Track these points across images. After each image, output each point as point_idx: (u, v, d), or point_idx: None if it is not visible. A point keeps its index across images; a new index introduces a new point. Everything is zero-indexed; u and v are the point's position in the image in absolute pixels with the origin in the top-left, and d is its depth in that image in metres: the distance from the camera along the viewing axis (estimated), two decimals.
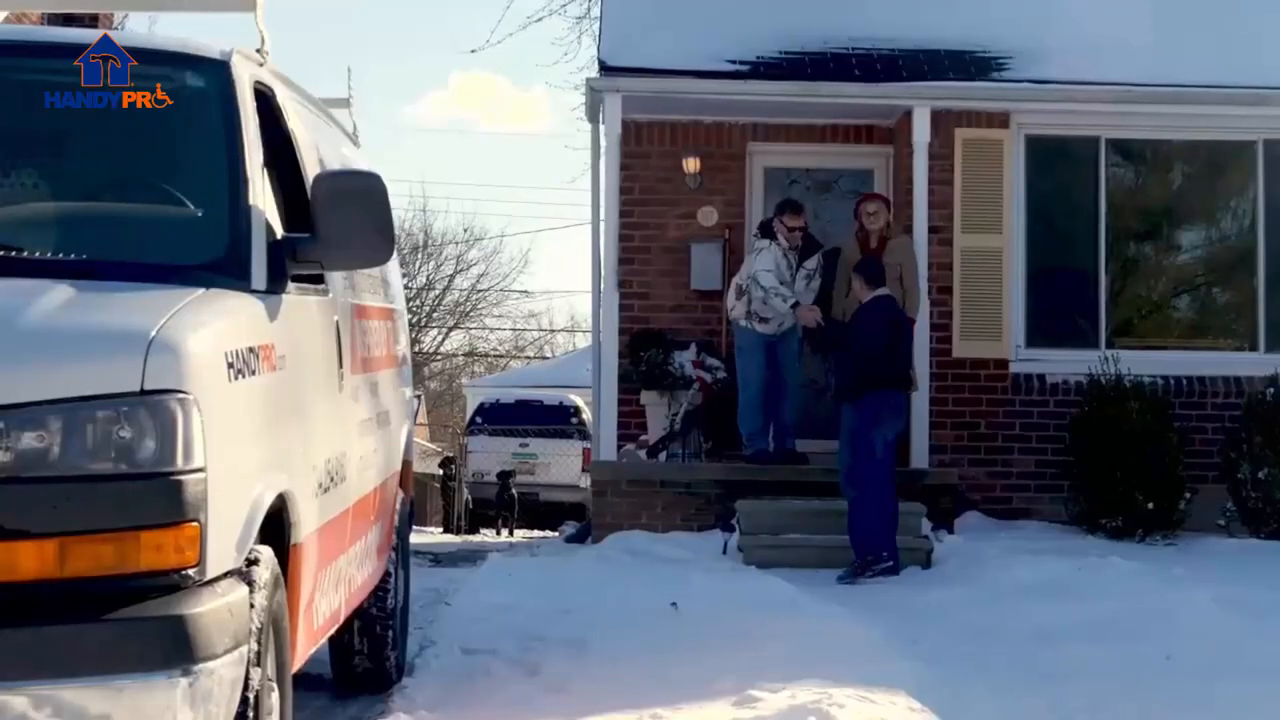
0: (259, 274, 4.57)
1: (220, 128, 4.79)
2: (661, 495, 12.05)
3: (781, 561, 10.73)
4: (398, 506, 7.11)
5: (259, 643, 4.06)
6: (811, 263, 12.12)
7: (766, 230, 12.22)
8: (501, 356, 52.32)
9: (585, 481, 20.47)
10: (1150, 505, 11.57)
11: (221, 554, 3.90)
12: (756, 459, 12.07)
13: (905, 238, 12.21)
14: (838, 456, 10.89)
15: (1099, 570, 9.91)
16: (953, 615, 8.95)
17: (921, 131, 12.41)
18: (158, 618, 3.67)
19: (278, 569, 4.32)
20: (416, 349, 43.21)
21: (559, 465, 25.98)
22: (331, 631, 5.76)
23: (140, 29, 19.92)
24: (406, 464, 7.34)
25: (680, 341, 12.87)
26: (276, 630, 4.30)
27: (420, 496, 23.31)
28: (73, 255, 4.42)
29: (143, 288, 4.22)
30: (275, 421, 4.45)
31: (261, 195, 4.76)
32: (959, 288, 12.77)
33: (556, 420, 26.95)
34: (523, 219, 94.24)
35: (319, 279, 5.15)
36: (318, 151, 5.89)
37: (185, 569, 3.76)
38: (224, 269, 4.48)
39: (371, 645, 6.79)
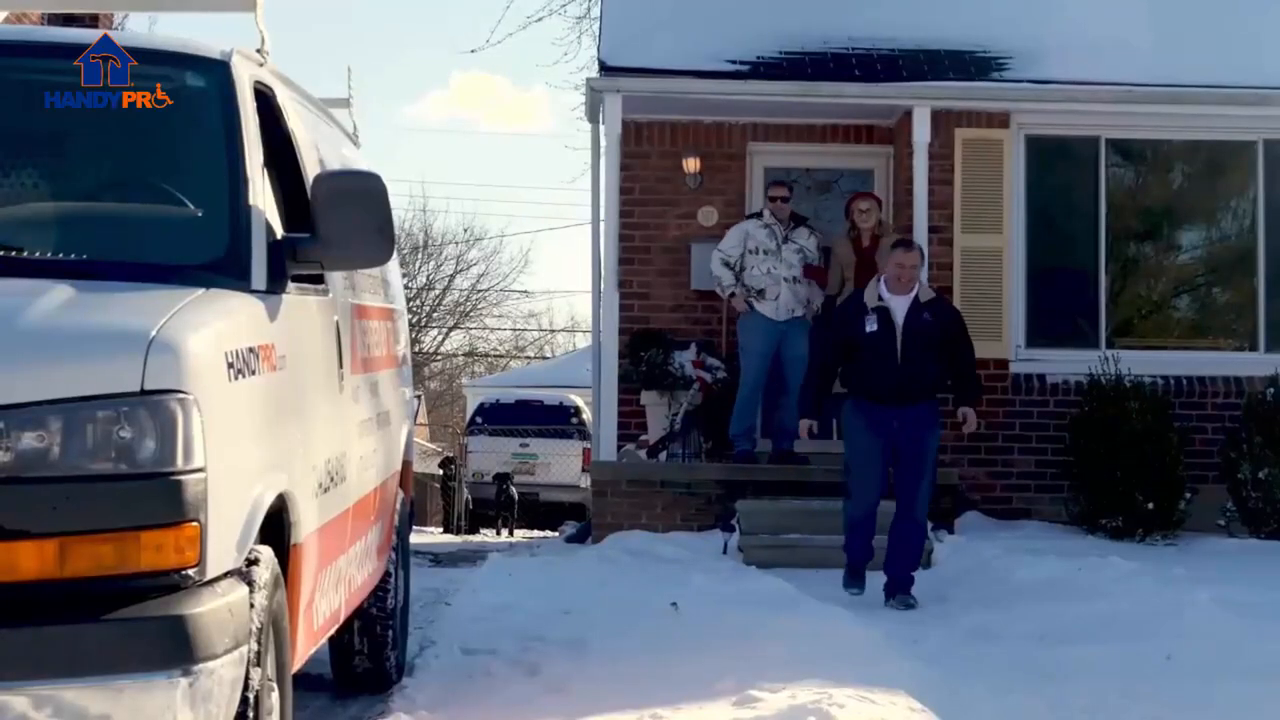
0: (259, 274, 4.57)
1: (220, 128, 4.79)
2: (661, 495, 12.06)
3: (781, 561, 10.73)
4: (398, 506, 7.11)
5: (259, 643, 4.06)
6: (804, 238, 12.11)
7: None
8: (501, 356, 52.36)
9: (585, 481, 20.48)
10: (1150, 505, 11.58)
11: (221, 554, 3.90)
12: (740, 459, 12.09)
13: (897, 236, 12.26)
14: (858, 468, 9.56)
15: (1099, 570, 9.91)
16: (952, 615, 8.95)
17: (921, 131, 12.41)
18: (158, 618, 3.67)
19: (278, 569, 4.32)
20: (416, 349, 43.21)
21: (559, 465, 25.98)
22: (331, 631, 5.76)
23: (140, 29, 19.93)
24: (406, 464, 7.34)
25: (680, 341, 12.88)
26: (276, 630, 4.30)
27: (420, 496, 23.32)
28: (73, 255, 4.42)
29: (143, 288, 4.23)
30: (275, 421, 4.45)
31: (261, 195, 4.76)
32: (959, 288, 12.76)
33: (556, 420, 26.96)
34: (523, 219, 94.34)
35: (319, 279, 5.15)
36: (318, 151, 5.89)
37: (185, 569, 3.76)
38: (224, 269, 4.48)
39: (371, 645, 6.79)
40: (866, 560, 9.63)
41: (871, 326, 9.26)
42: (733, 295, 12.14)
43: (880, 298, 9.33)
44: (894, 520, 9.50)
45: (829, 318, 12.11)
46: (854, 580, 9.61)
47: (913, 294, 9.35)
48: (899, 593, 9.40)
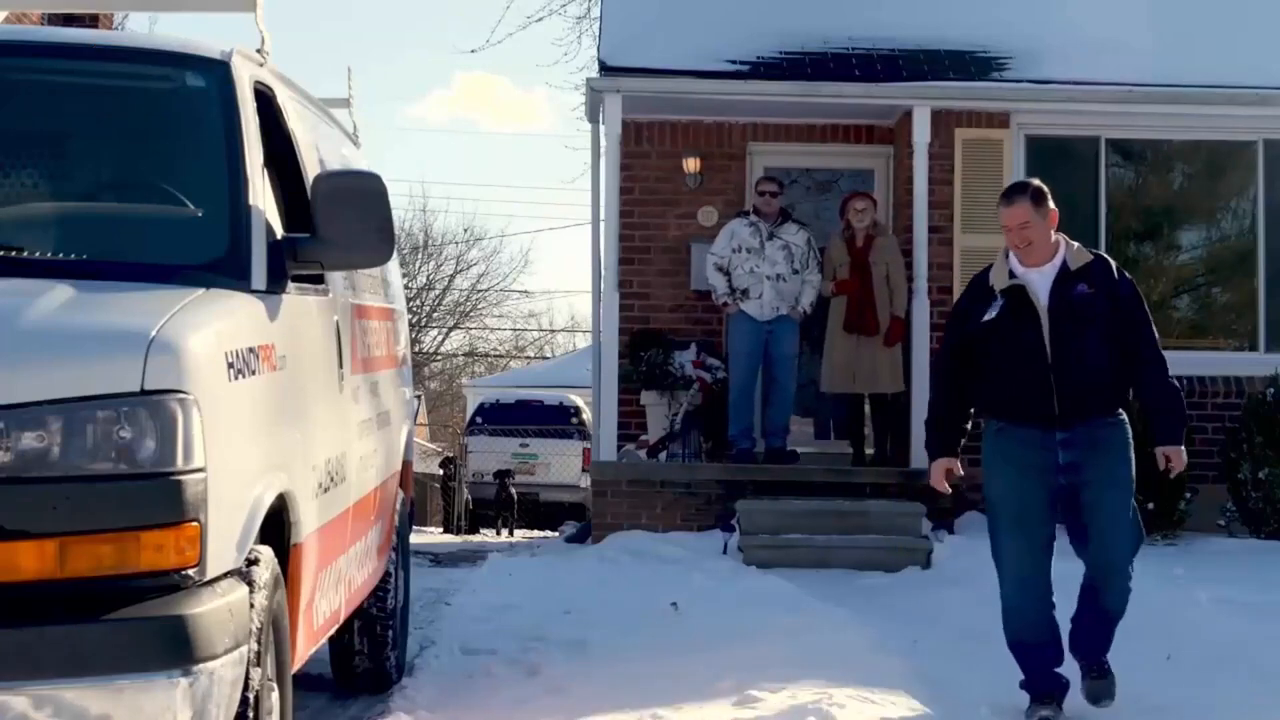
0: (259, 274, 4.57)
1: (220, 128, 4.79)
2: (661, 495, 12.07)
3: (781, 561, 10.74)
4: (398, 506, 7.11)
5: (259, 643, 4.06)
6: (792, 234, 12.11)
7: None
8: (501, 356, 52.38)
9: (585, 481, 20.49)
10: (1150, 505, 11.56)
11: (221, 554, 3.90)
12: (740, 459, 12.11)
13: (892, 237, 12.32)
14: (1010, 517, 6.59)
15: None
16: (952, 615, 8.95)
17: (921, 131, 12.41)
18: (158, 618, 3.67)
19: (278, 569, 4.32)
20: (416, 349, 43.22)
21: (559, 465, 26.00)
22: (331, 631, 5.76)
23: (140, 29, 19.96)
24: (406, 464, 7.35)
25: (680, 341, 12.89)
26: (276, 630, 4.30)
27: (420, 496, 23.32)
28: (73, 255, 4.42)
29: (143, 288, 4.23)
30: (275, 421, 4.45)
31: (261, 195, 4.76)
32: (959, 288, 12.74)
33: (556, 420, 26.98)
34: (523, 219, 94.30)
35: (319, 279, 5.16)
36: (318, 151, 5.89)
37: (185, 569, 3.76)
38: (224, 269, 4.48)
39: (371, 645, 6.79)
40: (1051, 663, 6.57)
41: (991, 314, 6.42)
42: (725, 304, 12.15)
43: (1011, 274, 6.45)
44: (1082, 588, 6.62)
45: (824, 316, 12.14)
46: (1041, 701, 6.51)
47: (1057, 260, 6.45)
48: (1090, 677, 6.56)
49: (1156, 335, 6.53)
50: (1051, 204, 6.47)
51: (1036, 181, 6.59)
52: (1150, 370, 6.45)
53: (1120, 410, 6.46)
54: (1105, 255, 6.66)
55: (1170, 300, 13.92)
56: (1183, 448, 6.41)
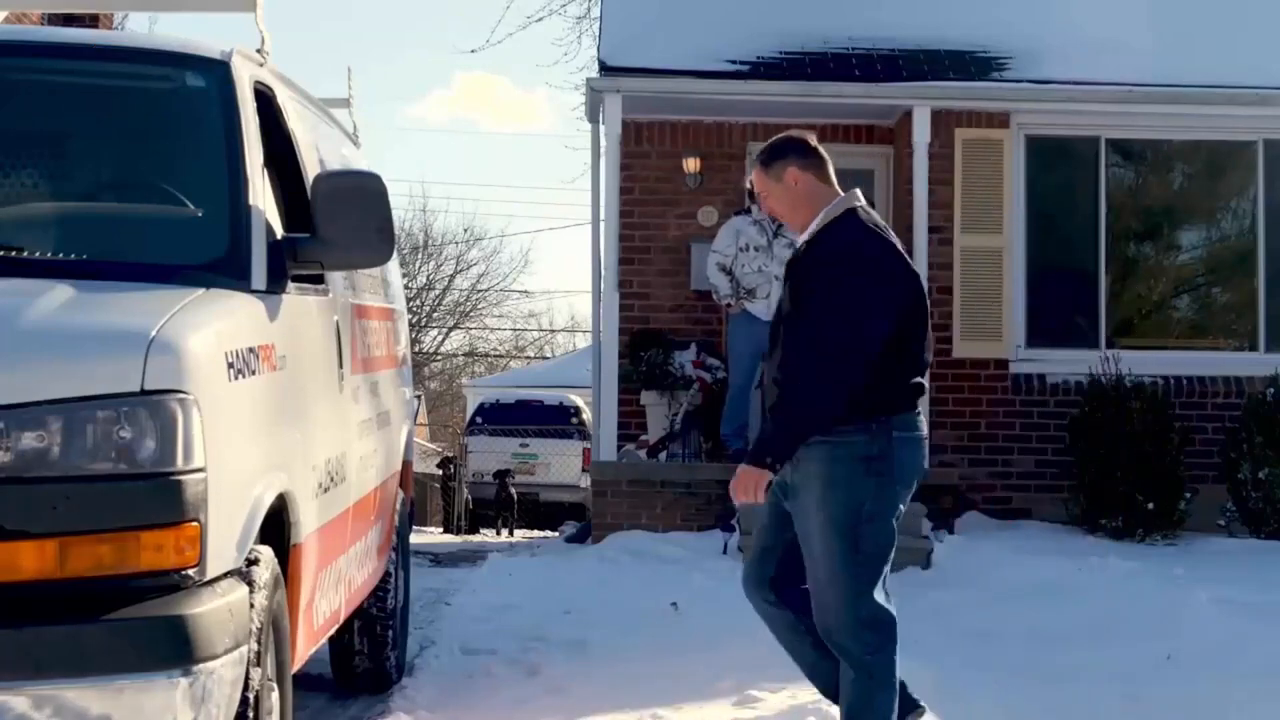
0: (259, 274, 4.57)
1: (220, 128, 4.79)
2: (661, 495, 12.06)
3: None
4: (398, 506, 7.11)
5: (259, 643, 4.06)
6: (790, 233, 12.12)
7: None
8: (501, 356, 52.39)
9: (585, 481, 20.49)
10: (1150, 505, 11.58)
11: (221, 554, 3.90)
12: (737, 459, 12.08)
13: None
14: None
15: (1099, 570, 9.91)
16: (952, 616, 8.95)
17: (921, 131, 12.42)
18: (158, 618, 3.67)
19: (278, 569, 4.32)
20: (416, 349, 43.22)
21: (559, 465, 26.01)
22: (331, 631, 5.76)
23: (140, 29, 19.97)
24: (406, 464, 7.35)
25: (680, 341, 12.89)
26: (276, 630, 4.30)
27: (420, 496, 23.32)
28: (73, 255, 4.42)
29: (143, 288, 4.23)
30: (275, 421, 4.45)
31: (261, 195, 4.76)
32: (959, 288, 12.78)
33: (556, 420, 26.98)
34: (523, 219, 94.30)
35: (319, 279, 5.15)
36: (318, 151, 5.89)
37: (185, 569, 3.76)
38: (224, 269, 4.48)
39: (371, 645, 6.79)
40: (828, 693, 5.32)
41: None
42: (729, 305, 12.12)
43: None
44: None
45: None
46: None
47: (806, 234, 5.13)
48: None
49: (824, 322, 4.85)
50: (798, 160, 5.02)
51: (786, 135, 5.18)
52: (784, 365, 4.91)
53: (847, 423, 4.91)
54: (848, 212, 5.07)
55: (1170, 300, 13.94)
56: (748, 468, 4.84)
